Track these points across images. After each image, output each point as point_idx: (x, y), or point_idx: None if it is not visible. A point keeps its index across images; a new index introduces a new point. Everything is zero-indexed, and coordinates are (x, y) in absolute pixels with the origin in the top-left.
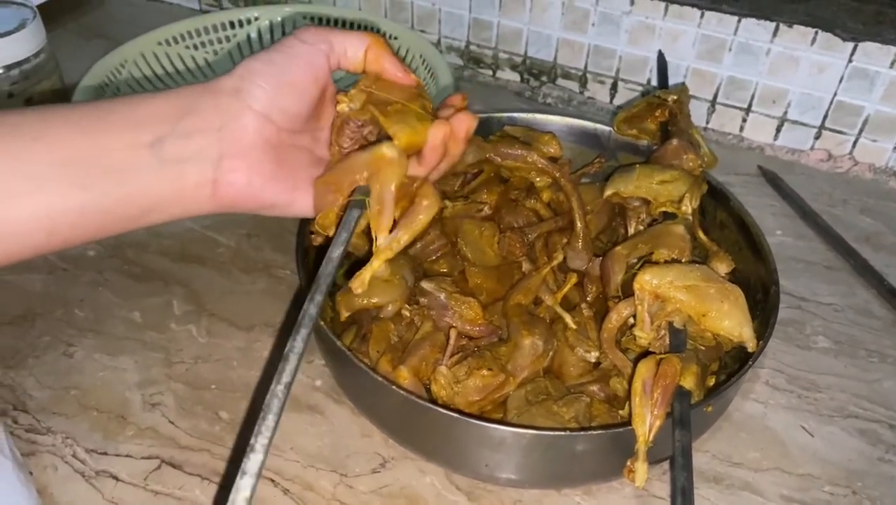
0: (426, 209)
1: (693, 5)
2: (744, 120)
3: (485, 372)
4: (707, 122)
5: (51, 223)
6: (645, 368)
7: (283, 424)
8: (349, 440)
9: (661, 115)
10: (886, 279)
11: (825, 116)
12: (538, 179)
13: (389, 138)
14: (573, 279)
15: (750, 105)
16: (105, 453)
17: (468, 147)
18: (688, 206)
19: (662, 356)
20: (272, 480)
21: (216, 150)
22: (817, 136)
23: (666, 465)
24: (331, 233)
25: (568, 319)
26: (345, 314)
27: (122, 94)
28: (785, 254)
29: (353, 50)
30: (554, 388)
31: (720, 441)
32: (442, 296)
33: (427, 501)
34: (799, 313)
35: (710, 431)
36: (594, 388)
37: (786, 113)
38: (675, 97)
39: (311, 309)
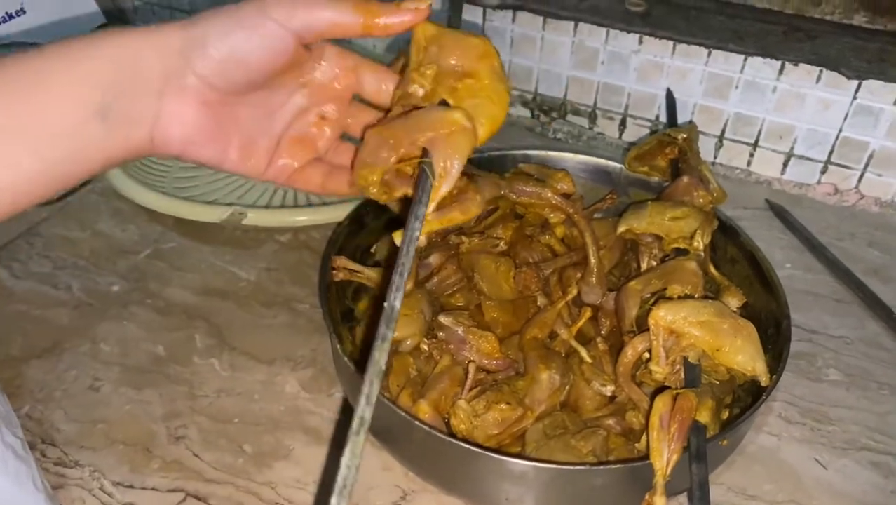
0: (475, 204)
1: (700, 44)
2: (751, 155)
3: (503, 406)
4: (715, 157)
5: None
6: (662, 403)
7: (304, 457)
8: (370, 473)
9: (671, 152)
10: (895, 312)
11: (831, 151)
12: (552, 216)
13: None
14: (588, 313)
15: (757, 140)
16: (131, 486)
17: (485, 184)
18: (699, 242)
19: (679, 391)
20: None
21: (154, 110)
22: (824, 171)
23: (682, 497)
24: (372, 191)
25: (583, 352)
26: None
27: None
28: (795, 287)
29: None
30: (571, 421)
31: (735, 474)
32: (460, 330)
33: None
34: (810, 346)
35: (725, 464)
36: (610, 421)
37: (792, 148)
38: (685, 135)
39: (395, 302)
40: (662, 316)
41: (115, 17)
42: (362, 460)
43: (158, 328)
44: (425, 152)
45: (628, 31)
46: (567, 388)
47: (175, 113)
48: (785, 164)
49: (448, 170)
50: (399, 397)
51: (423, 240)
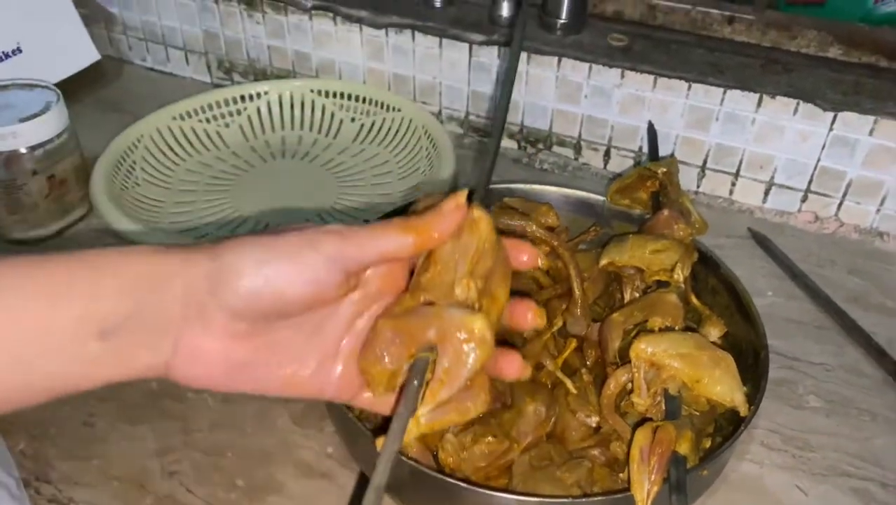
0: (479, 403)
1: (680, 78)
2: (733, 184)
3: (490, 439)
4: (698, 187)
5: None
6: (642, 436)
7: (299, 492)
8: None
9: (652, 185)
10: (874, 339)
11: (811, 181)
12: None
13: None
14: (573, 344)
15: (738, 170)
16: None
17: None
18: (679, 275)
19: (658, 424)
20: None
21: (174, 341)
22: (804, 199)
23: None
24: (379, 390)
25: (569, 384)
26: None
27: (137, 168)
28: (776, 314)
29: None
30: (557, 453)
31: (718, 502)
32: None
33: None
34: (791, 373)
35: (708, 493)
36: (595, 452)
37: (773, 177)
38: (665, 169)
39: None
40: (643, 349)
41: (110, 57)
42: (352, 494)
43: None
44: (432, 347)
45: (610, 66)
46: (553, 419)
47: (197, 347)
48: (766, 193)
49: (451, 378)
50: None
51: (411, 442)
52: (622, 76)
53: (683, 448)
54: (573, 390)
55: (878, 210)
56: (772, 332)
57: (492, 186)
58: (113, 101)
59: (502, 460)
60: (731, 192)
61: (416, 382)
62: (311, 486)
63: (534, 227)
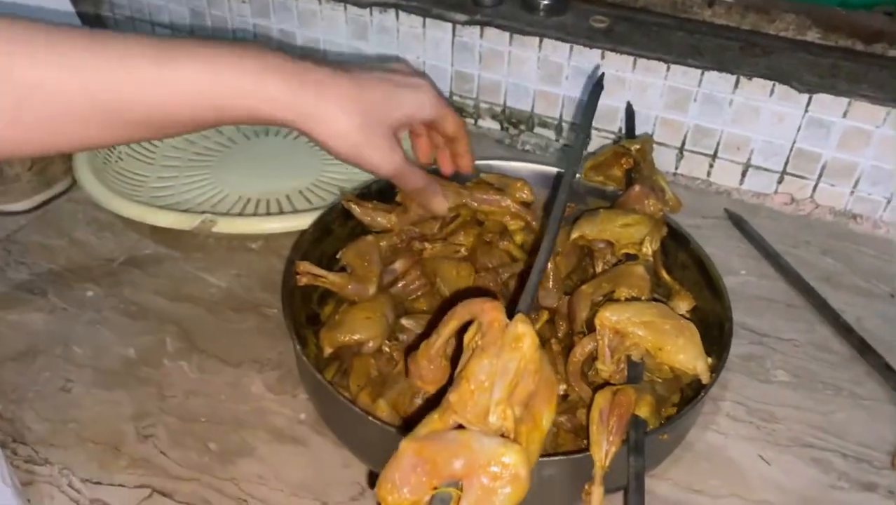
0: None
1: (660, 59)
2: (711, 166)
3: None
4: (676, 168)
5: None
6: (602, 399)
7: (269, 455)
8: (331, 470)
9: (627, 162)
10: (842, 316)
11: (786, 162)
12: (511, 223)
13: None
14: (545, 316)
15: (716, 152)
16: (99, 483)
17: (447, 192)
18: (648, 248)
19: (618, 387)
20: None
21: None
22: (780, 181)
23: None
24: None
25: None
26: (328, 350)
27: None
28: (749, 293)
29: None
30: None
31: (682, 470)
32: (419, 332)
33: None
34: (760, 349)
35: (673, 461)
36: (562, 418)
37: (750, 159)
38: (639, 146)
39: None
40: (608, 317)
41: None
42: (323, 458)
43: (130, 332)
44: (457, 482)
45: (591, 47)
46: None
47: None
48: (743, 175)
49: None
50: (358, 397)
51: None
52: (602, 57)
53: (643, 411)
54: None
55: (852, 192)
56: (743, 309)
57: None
58: None
59: None
60: (708, 174)
61: None
62: (283, 450)
63: (508, 202)
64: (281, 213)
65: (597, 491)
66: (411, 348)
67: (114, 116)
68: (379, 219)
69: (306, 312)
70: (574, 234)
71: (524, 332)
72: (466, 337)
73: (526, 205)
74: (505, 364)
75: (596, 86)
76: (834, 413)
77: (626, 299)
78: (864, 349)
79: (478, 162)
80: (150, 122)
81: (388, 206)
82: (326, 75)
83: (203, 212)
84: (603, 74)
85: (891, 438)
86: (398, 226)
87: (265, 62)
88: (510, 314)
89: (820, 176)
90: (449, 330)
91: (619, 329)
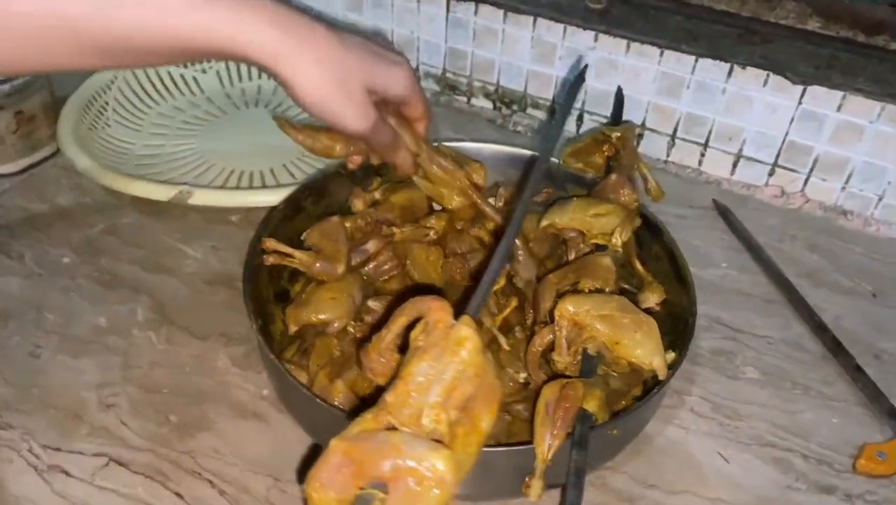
0: None
1: (653, 44)
2: (702, 155)
3: None
4: (668, 156)
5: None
6: (549, 391)
7: (228, 430)
8: (287, 447)
9: (609, 150)
10: (818, 315)
11: (778, 154)
12: (456, 199)
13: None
14: (514, 303)
15: (707, 141)
16: (59, 449)
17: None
18: (618, 239)
19: (567, 381)
20: (210, 482)
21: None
22: (771, 173)
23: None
24: None
25: (502, 340)
26: (293, 328)
27: (109, 109)
28: (727, 286)
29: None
30: None
31: (639, 463)
32: (382, 316)
33: None
34: (732, 344)
35: (630, 454)
36: (520, 407)
37: (741, 150)
38: (619, 134)
39: None
40: (567, 308)
41: None
42: (281, 435)
43: (103, 301)
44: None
45: (584, 28)
46: None
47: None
48: (734, 165)
49: None
50: (317, 377)
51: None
52: (595, 39)
53: (591, 406)
54: (506, 347)
55: (844, 188)
56: (719, 302)
57: (460, 144)
58: None
59: None
60: (700, 163)
61: None
62: (243, 425)
63: (461, 176)
64: (264, 186)
65: (536, 484)
66: (365, 340)
67: (83, 42)
68: (323, 140)
69: (275, 289)
70: (544, 223)
71: (467, 336)
72: (412, 335)
73: (477, 187)
74: (444, 367)
75: (578, 78)
76: (800, 413)
77: (590, 291)
78: (836, 349)
79: (469, 145)
80: (119, 50)
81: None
82: (309, 24)
83: (184, 183)
84: (586, 67)
85: (855, 440)
86: (345, 150)
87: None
88: (460, 313)
89: (811, 170)
90: (398, 326)
91: (577, 321)
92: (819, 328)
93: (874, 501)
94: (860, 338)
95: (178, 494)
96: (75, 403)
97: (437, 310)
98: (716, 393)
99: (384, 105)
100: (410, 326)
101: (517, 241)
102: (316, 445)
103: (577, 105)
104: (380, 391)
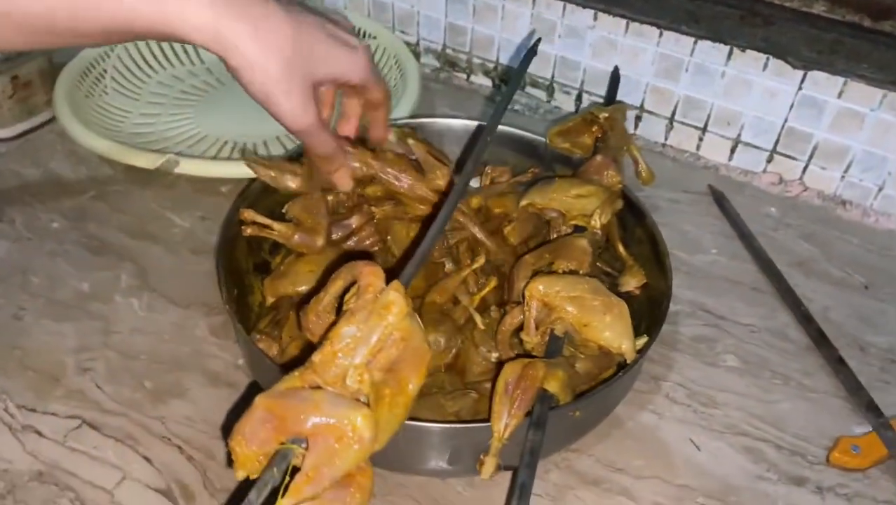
0: (357, 503)
1: (652, 24)
2: (700, 139)
3: None
4: (665, 139)
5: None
6: (510, 370)
7: (201, 397)
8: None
9: (598, 130)
10: (805, 305)
11: (777, 141)
12: (419, 207)
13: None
14: (493, 283)
15: (706, 125)
16: (34, 410)
17: (357, 161)
18: (597, 221)
19: (528, 360)
20: (179, 448)
21: None
22: (769, 160)
23: (546, 464)
24: (245, 473)
25: (478, 319)
26: (270, 299)
27: (107, 77)
28: (715, 273)
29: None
30: (450, 383)
31: (608, 447)
32: None
33: None
34: (714, 331)
35: (598, 437)
36: (489, 385)
37: (740, 135)
38: (607, 115)
39: None
40: (538, 288)
41: None
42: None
43: (88, 266)
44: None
45: (584, 7)
46: (453, 351)
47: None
48: (732, 151)
49: (318, 476)
50: (288, 348)
51: None
52: (595, 18)
53: (552, 386)
54: (481, 326)
55: (843, 177)
56: (705, 289)
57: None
58: None
59: None
60: (698, 147)
61: (267, 475)
62: (215, 394)
63: (422, 189)
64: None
65: (489, 462)
66: (304, 302)
67: (19, 21)
68: (286, 180)
69: (255, 260)
70: (523, 202)
71: (394, 300)
72: (346, 298)
73: (445, 193)
74: (371, 330)
75: (529, 51)
76: (777, 403)
77: (564, 272)
78: (820, 340)
79: (472, 122)
80: (57, 30)
81: (294, 165)
82: (262, 3)
83: (178, 153)
84: (539, 41)
85: (831, 432)
86: (304, 188)
87: None
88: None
89: (810, 157)
90: (335, 288)
91: (547, 301)
92: (805, 318)
93: (844, 495)
94: (847, 330)
95: (146, 459)
96: (54, 365)
97: (368, 274)
98: (693, 380)
99: (351, 90)
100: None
101: (478, 234)
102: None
103: (576, 85)
104: None
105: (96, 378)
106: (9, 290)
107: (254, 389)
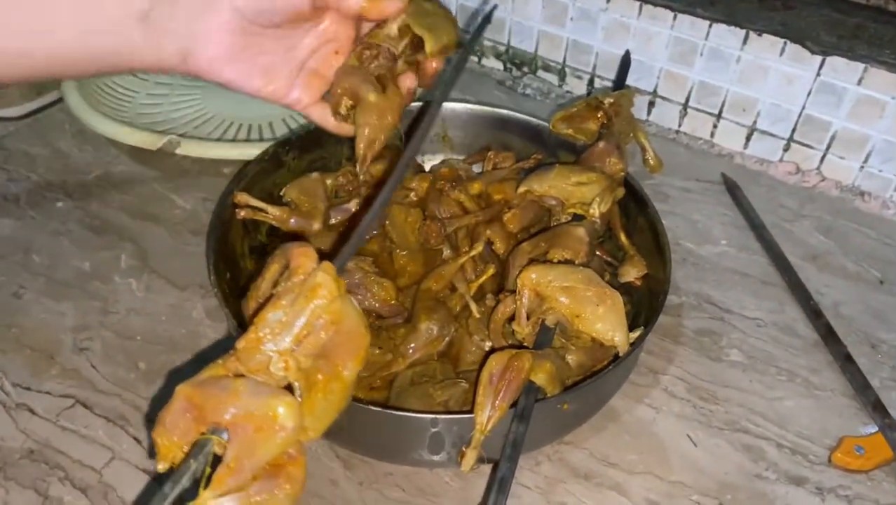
0: (285, 495)
1: (666, 6)
2: (714, 126)
3: (375, 351)
4: (679, 126)
5: (52, 57)
6: (495, 362)
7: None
8: None
9: (603, 116)
10: (815, 299)
11: (794, 129)
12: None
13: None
14: (490, 271)
15: (721, 111)
16: (28, 388)
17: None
18: (596, 210)
19: (515, 352)
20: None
21: (192, 29)
22: (786, 149)
23: (537, 456)
24: (166, 464)
25: (474, 307)
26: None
27: None
28: (723, 264)
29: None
30: (442, 371)
31: (602, 441)
32: (357, 276)
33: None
34: (719, 325)
35: (593, 430)
36: None
37: (755, 122)
38: (612, 101)
39: None
40: (530, 277)
41: None
42: None
43: (89, 246)
44: (214, 431)
45: None
46: (447, 339)
47: (211, 32)
48: (748, 139)
49: (240, 468)
50: None
51: None
52: (608, 0)
53: (539, 378)
54: (476, 314)
55: (862, 167)
56: (713, 281)
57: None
58: None
59: (386, 372)
60: (712, 135)
61: (184, 467)
62: None
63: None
64: (261, 139)
65: (470, 455)
66: (245, 290)
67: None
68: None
69: (251, 243)
70: (521, 189)
71: (321, 282)
72: (278, 281)
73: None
74: (297, 313)
75: (484, 20)
76: (780, 400)
77: (559, 261)
78: (828, 336)
79: (478, 107)
80: (18, 68)
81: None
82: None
83: (182, 134)
84: (495, 7)
85: (835, 431)
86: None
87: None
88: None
89: (828, 147)
90: (270, 273)
91: (539, 291)
92: (814, 313)
93: (845, 497)
94: (858, 326)
95: (136, 439)
96: (51, 344)
97: (298, 256)
98: (694, 374)
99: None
100: None
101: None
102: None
103: (588, 69)
104: None
105: (92, 358)
106: (10, 267)
107: None
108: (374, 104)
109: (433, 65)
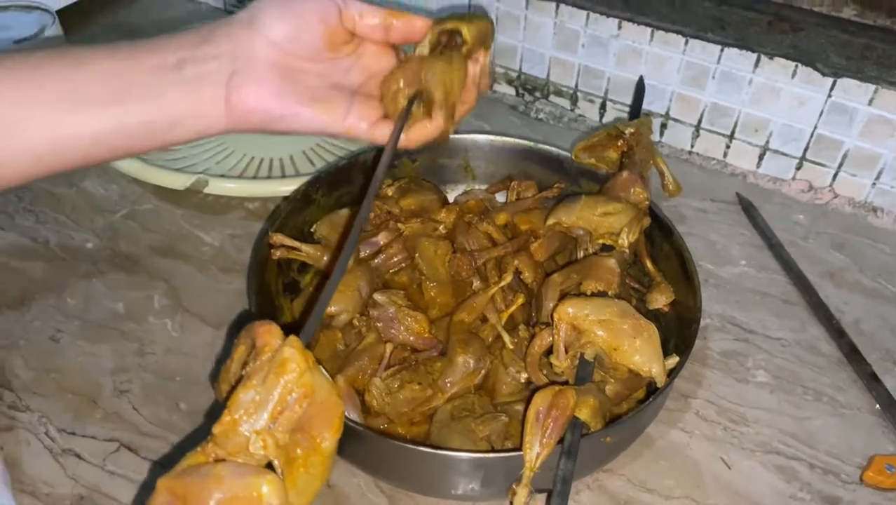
0: None
1: (678, 32)
2: (727, 146)
3: (415, 386)
4: (692, 147)
5: (93, 139)
6: (540, 399)
7: None
8: None
9: (623, 145)
10: (835, 318)
11: (806, 148)
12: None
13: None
14: (520, 300)
15: (733, 132)
16: (73, 433)
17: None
18: (625, 240)
19: (559, 388)
20: None
21: (228, 70)
22: (798, 167)
23: (577, 486)
24: None
25: (507, 338)
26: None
27: None
28: (744, 285)
29: (368, 18)
30: (480, 405)
31: (638, 467)
32: (391, 309)
33: (352, 500)
34: (744, 346)
35: (630, 457)
36: (519, 407)
37: (768, 142)
38: (632, 130)
39: None
40: (567, 311)
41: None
42: None
43: (122, 286)
44: None
45: (608, 16)
46: (482, 372)
47: (252, 68)
48: (760, 158)
49: None
50: None
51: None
52: (619, 27)
53: (583, 414)
54: (510, 345)
55: (874, 184)
56: (734, 302)
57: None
58: (128, 25)
59: (426, 407)
60: (725, 155)
61: None
62: None
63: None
64: (283, 176)
65: (521, 492)
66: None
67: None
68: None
69: (284, 280)
70: (550, 220)
71: (289, 357)
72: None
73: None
74: (269, 391)
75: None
76: (809, 420)
77: (592, 293)
78: (852, 354)
79: (498, 136)
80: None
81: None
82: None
83: (203, 171)
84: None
85: (865, 450)
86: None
87: (162, 81)
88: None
89: (841, 164)
90: (238, 354)
91: (576, 325)
92: (836, 332)
93: None
94: (880, 343)
95: None
96: (91, 387)
97: (262, 334)
98: (723, 396)
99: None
100: None
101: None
102: None
103: (600, 94)
104: None
105: (133, 400)
106: (45, 311)
107: None
108: (439, 63)
109: (480, 59)
